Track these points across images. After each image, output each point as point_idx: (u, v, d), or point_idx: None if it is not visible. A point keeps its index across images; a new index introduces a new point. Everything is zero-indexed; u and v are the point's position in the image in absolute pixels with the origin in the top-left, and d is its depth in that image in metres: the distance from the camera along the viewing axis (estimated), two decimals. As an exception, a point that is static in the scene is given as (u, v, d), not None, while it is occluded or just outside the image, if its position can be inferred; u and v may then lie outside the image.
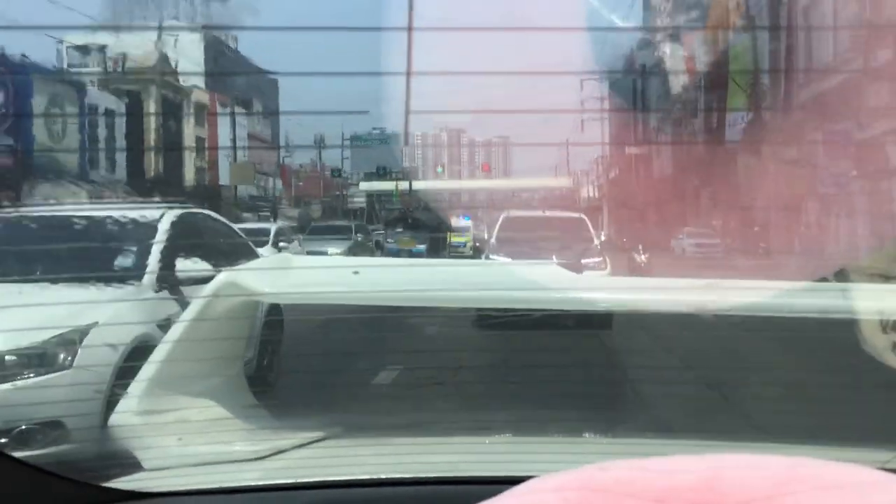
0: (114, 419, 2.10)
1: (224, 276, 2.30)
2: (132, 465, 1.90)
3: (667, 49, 24.82)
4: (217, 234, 6.69)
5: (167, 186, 35.44)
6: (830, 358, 6.07)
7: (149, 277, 5.26)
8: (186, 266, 5.19)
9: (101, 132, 31.58)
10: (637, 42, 32.73)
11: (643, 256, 14.43)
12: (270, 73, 46.35)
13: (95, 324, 4.54)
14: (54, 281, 5.00)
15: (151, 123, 34.83)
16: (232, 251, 6.36)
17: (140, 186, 33.42)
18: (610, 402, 5.95)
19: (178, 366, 2.12)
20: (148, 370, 2.14)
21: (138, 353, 4.30)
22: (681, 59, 22.62)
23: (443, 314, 9.69)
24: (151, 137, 35.09)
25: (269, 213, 42.36)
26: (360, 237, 23.53)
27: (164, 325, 4.82)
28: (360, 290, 2.28)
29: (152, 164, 35.24)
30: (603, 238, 13.28)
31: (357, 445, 2.23)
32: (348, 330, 7.82)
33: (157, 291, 5.21)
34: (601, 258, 10.67)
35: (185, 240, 5.77)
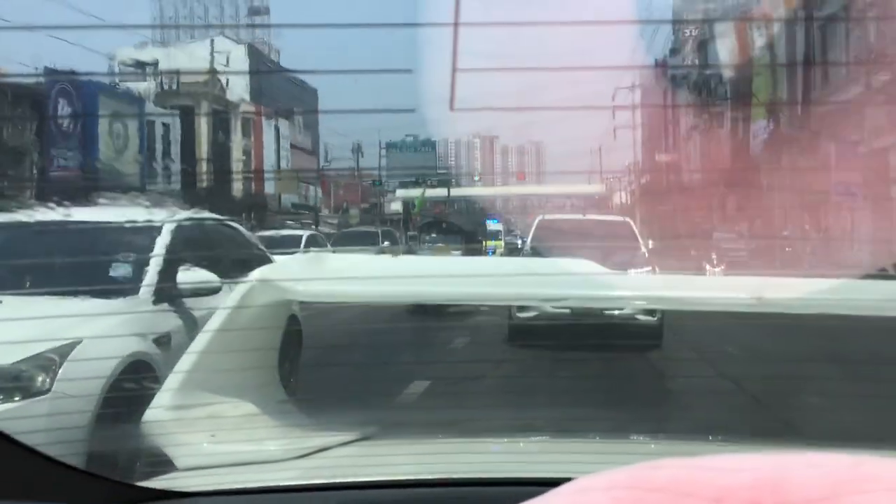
0: (148, 416, 2.08)
1: (257, 273, 2.31)
2: (165, 464, 1.91)
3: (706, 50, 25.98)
4: (228, 242, 6.24)
5: (217, 195, 37.43)
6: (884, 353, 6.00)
7: (146, 289, 4.83)
8: (190, 277, 4.83)
9: (157, 144, 33.60)
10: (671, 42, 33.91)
11: (715, 266, 13.31)
12: (309, 72, 48.09)
13: (80, 341, 3.97)
14: (37, 293, 4.55)
15: (202, 135, 36.80)
16: (245, 262, 5.89)
17: (192, 195, 35.40)
18: (651, 404, 5.83)
19: (210, 364, 2.11)
20: (183, 365, 2.13)
21: (131, 372, 4.06)
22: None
23: (481, 320, 10.04)
24: (202, 149, 37.07)
25: (310, 221, 44.16)
26: (387, 244, 23.26)
27: (163, 341, 4.51)
28: (393, 287, 2.30)
29: (203, 173, 37.23)
30: (651, 244, 12.20)
31: (392, 446, 2.22)
32: (386, 328, 8.20)
33: (155, 304, 4.80)
34: (650, 267, 9.93)
35: (189, 249, 5.35)
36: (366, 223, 45.66)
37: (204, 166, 37.05)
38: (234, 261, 5.63)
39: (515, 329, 8.98)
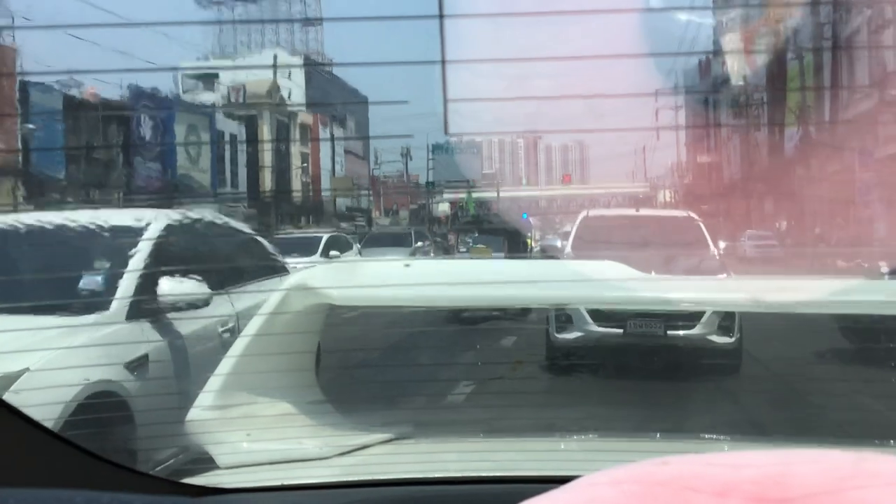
0: (191, 415, 2.11)
1: (295, 277, 2.36)
2: (207, 462, 1.95)
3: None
4: (231, 247, 5.57)
5: (280, 201, 40.12)
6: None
7: (119, 304, 4.04)
8: (174, 289, 4.17)
9: (226, 154, 36.38)
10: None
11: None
12: (356, 64, 50.46)
13: (24, 371, 3.33)
14: None
15: (265, 144, 39.54)
16: (250, 269, 5.37)
17: (258, 200, 38.13)
18: (672, 404, 5.84)
19: (249, 365, 2.16)
20: (224, 368, 2.17)
21: (91, 409, 3.32)
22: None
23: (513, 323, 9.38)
24: (266, 157, 39.79)
25: (364, 223, 46.58)
26: (420, 245, 22.08)
27: (137, 366, 3.82)
28: (425, 291, 2.33)
29: (267, 180, 39.94)
30: (724, 246, 10.28)
31: (425, 444, 2.27)
32: (418, 331, 7.83)
33: (129, 321, 4.03)
34: (725, 274, 7.88)
35: (179, 255, 4.67)
36: (415, 224, 47.89)
37: (267, 173, 39.78)
38: (237, 268, 5.12)
39: (555, 352, 7.92)
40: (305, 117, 44.38)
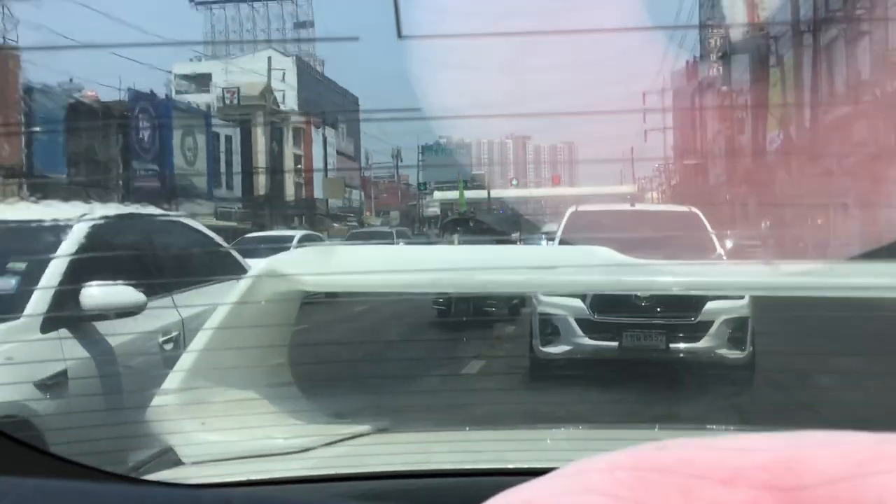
0: (151, 413, 2.03)
1: (264, 264, 2.26)
2: (172, 459, 1.90)
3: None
4: (175, 246, 5.02)
5: (273, 201, 40.85)
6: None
7: (33, 312, 3.62)
8: (99, 295, 3.66)
9: (222, 156, 37.12)
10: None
11: None
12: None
13: None
14: None
15: (259, 146, 40.29)
16: (198, 270, 4.92)
17: (252, 201, 38.88)
18: (675, 394, 5.65)
19: (218, 355, 2.09)
20: (186, 360, 2.10)
21: None
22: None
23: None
24: (260, 158, 40.52)
25: (355, 223, 47.40)
26: (402, 243, 22.94)
27: (53, 384, 3.43)
28: (403, 277, 2.27)
29: (261, 181, 40.69)
30: (730, 244, 9.39)
31: (399, 436, 2.22)
32: (394, 322, 8.14)
33: (45, 333, 3.59)
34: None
35: (109, 256, 4.21)
36: (405, 224, 48.75)
37: (261, 174, 40.52)
38: (184, 271, 4.69)
39: (539, 367, 7.19)
40: (298, 118, 45.14)
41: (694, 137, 39.69)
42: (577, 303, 7.04)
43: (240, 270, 5.23)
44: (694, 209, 8.74)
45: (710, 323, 6.87)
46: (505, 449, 2.13)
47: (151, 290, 4.00)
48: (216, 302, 3.78)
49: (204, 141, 34.65)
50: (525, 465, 1.78)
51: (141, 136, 30.61)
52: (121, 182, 29.91)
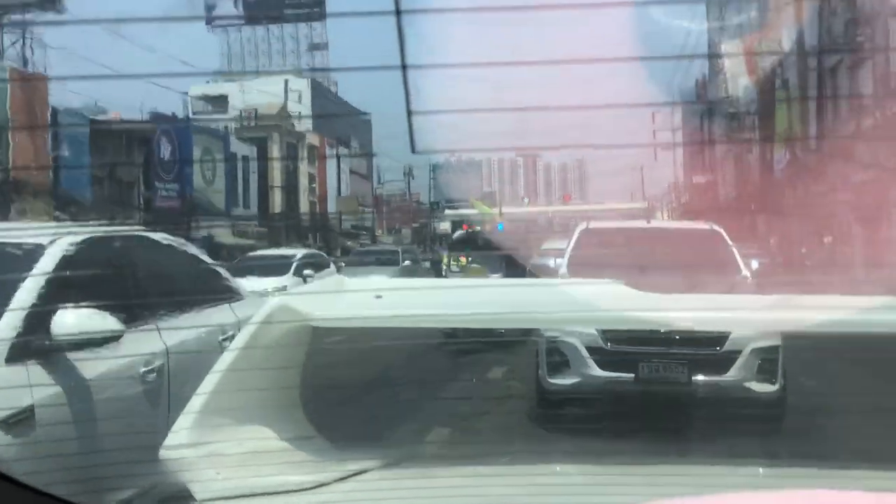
0: (164, 452, 2.03)
1: (276, 301, 2.27)
2: (183, 498, 1.93)
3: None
4: (161, 269, 4.63)
5: (288, 219, 41.76)
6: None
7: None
8: (72, 322, 3.37)
9: (239, 174, 38.08)
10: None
11: None
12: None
13: None
14: None
15: (275, 165, 41.27)
16: (186, 295, 4.59)
17: (268, 219, 39.78)
18: (697, 434, 5.29)
19: (229, 396, 2.09)
20: (197, 401, 2.10)
21: None
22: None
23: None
24: (276, 176, 41.49)
25: (368, 240, 48.25)
26: (408, 264, 21.27)
27: (17, 422, 3.11)
28: (416, 313, 2.29)
29: (277, 199, 41.62)
30: (757, 265, 8.50)
31: (408, 478, 2.22)
32: (398, 359, 7.24)
33: (10, 364, 3.24)
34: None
35: (87, 279, 3.89)
36: (417, 242, 49.45)
37: (277, 193, 41.46)
38: (170, 296, 4.38)
39: (546, 402, 6.65)
40: (313, 138, 46.12)
41: (703, 155, 40.45)
42: (590, 329, 6.31)
43: (230, 292, 5.02)
44: (715, 226, 8.09)
45: (738, 353, 6.23)
46: (513, 484, 2.09)
47: (132, 317, 3.77)
48: (203, 327, 3.96)
49: (222, 161, 35.61)
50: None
51: (162, 156, 31.56)
52: (142, 202, 30.83)
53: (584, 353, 6.46)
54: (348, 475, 2.07)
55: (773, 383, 6.29)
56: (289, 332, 2.22)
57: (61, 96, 26.75)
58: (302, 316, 2.19)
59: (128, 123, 30.10)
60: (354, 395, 5.94)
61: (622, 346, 6.36)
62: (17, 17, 26.42)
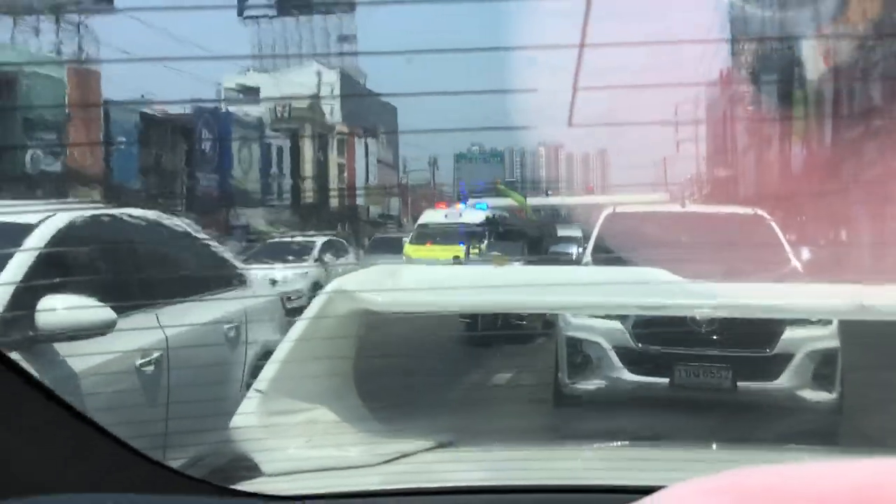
0: (235, 422, 2.15)
1: (334, 286, 2.38)
2: (253, 469, 1.97)
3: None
4: (161, 253, 4.48)
5: (318, 208, 43.44)
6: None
7: None
8: (60, 311, 3.09)
9: (273, 164, 39.86)
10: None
11: None
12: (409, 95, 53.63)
13: None
14: None
15: (307, 156, 43.00)
16: (187, 280, 4.40)
17: (300, 208, 41.50)
18: (734, 414, 5.12)
19: (291, 376, 2.21)
20: (267, 374, 2.25)
21: None
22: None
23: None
24: (307, 167, 43.21)
25: (394, 229, 49.87)
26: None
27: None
28: (466, 297, 2.40)
29: (308, 187, 43.37)
30: (808, 254, 7.57)
31: (471, 452, 2.28)
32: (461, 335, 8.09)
33: None
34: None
35: (75, 263, 3.70)
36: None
37: (308, 182, 43.20)
38: (170, 282, 4.20)
39: (564, 409, 5.97)
40: (342, 128, 47.80)
41: (725, 148, 41.57)
42: (616, 325, 5.77)
43: (235, 277, 4.84)
44: (760, 211, 7.45)
45: (790, 356, 5.61)
46: (563, 466, 2.14)
47: (129, 305, 3.56)
48: (205, 316, 3.93)
49: (258, 151, 37.38)
50: (596, 483, 1.84)
51: (203, 147, 33.33)
52: (185, 189, 32.62)
53: (611, 353, 5.79)
54: (404, 455, 2.11)
55: (830, 390, 5.59)
56: (345, 316, 2.32)
57: (112, 89, 28.51)
58: (356, 302, 2.29)
59: (172, 115, 31.88)
60: (406, 377, 5.73)
61: (655, 347, 5.70)
62: (72, 14, 28.20)
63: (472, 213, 19.55)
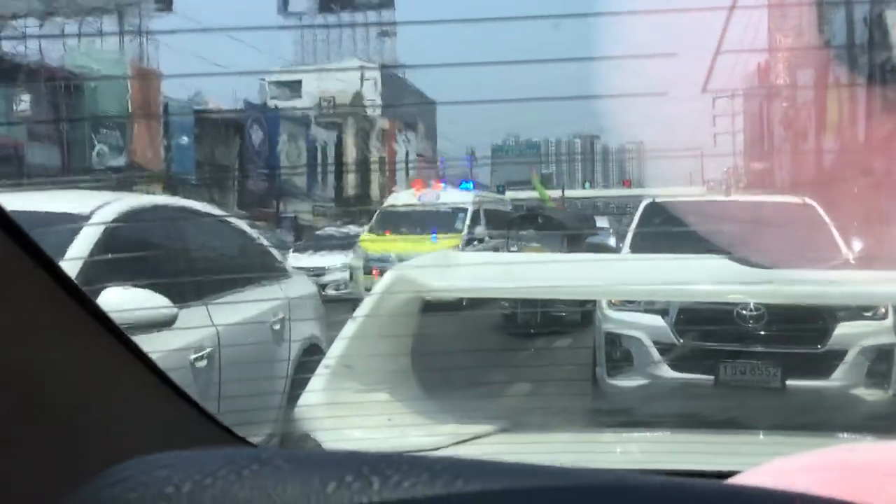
0: (302, 400, 2.23)
1: (395, 271, 2.47)
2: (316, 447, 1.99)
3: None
4: (212, 245, 4.49)
5: (361, 201, 44.96)
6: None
7: None
8: (125, 302, 3.03)
9: (319, 159, 41.50)
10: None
11: None
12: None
13: None
14: None
15: (349, 149, 44.60)
16: (236, 272, 4.40)
17: (343, 200, 43.08)
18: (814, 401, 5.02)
19: (354, 360, 2.25)
20: (335, 351, 2.31)
21: None
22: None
23: None
24: (350, 161, 44.77)
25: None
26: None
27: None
28: (523, 284, 2.46)
29: (351, 182, 44.97)
30: (860, 246, 7.07)
31: (532, 436, 2.30)
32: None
33: None
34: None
35: (131, 253, 3.66)
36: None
37: (352, 177, 44.79)
38: (220, 274, 4.24)
39: (603, 408, 5.69)
40: (383, 123, 49.33)
41: (762, 141, 42.35)
42: (657, 321, 5.69)
43: (279, 270, 4.84)
44: (809, 200, 7.29)
45: (843, 352, 5.46)
46: (632, 449, 2.15)
47: (182, 298, 3.54)
48: (254, 310, 3.95)
49: (304, 146, 39.02)
50: (661, 467, 1.79)
51: (253, 142, 35.01)
52: (236, 184, 34.33)
53: (652, 348, 5.68)
54: (464, 439, 2.11)
55: (886, 389, 5.38)
56: (405, 301, 2.37)
57: (170, 89, 30.26)
58: (417, 286, 2.36)
59: (225, 112, 33.58)
60: (463, 361, 5.76)
61: (699, 342, 5.61)
62: (134, 18, 29.97)
63: (454, 195, 17.45)
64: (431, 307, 2.72)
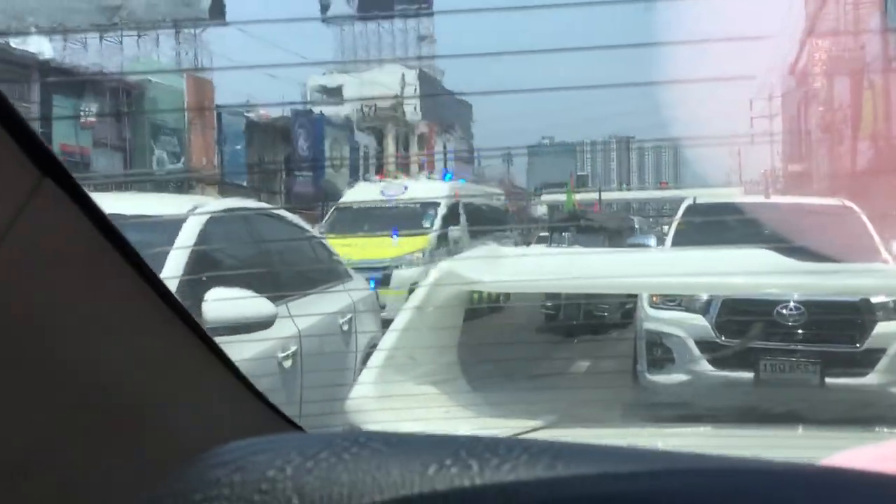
0: (354, 392, 2.29)
1: (444, 265, 2.54)
2: None
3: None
4: (286, 246, 4.56)
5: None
6: None
7: None
8: (227, 304, 3.07)
9: (360, 162, 42.93)
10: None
11: None
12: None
13: None
14: None
15: (390, 153, 46.00)
16: (309, 275, 4.56)
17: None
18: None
19: (403, 353, 2.31)
20: (377, 357, 2.36)
21: None
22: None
23: None
24: (390, 164, 46.20)
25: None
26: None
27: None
28: (569, 278, 2.47)
29: (391, 185, 46.42)
30: None
31: (578, 432, 2.26)
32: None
33: None
34: None
35: (225, 257, 3.86)
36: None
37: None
38: (298, 276, 4.34)
39: (643, 403, 5.71)
40: (422, 126, 50.73)
41: (800, 143, 42.91)
42: (698, 319, 5.84)
43: (345, 273, 5.14)
44: (849, 203, 7.39)
45: (882, 351, 5.55)
46: (672, 445, 2.17)
47: (273, 299, 3.53)
48: (328, 310, 4.08)
49: (347, 150, 40.46)
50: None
51: (300, 147, 36.50)
52: (284, 188, 35.84)
53: (693, 346, 5.81)
54: (516, 432, 2.14)
55: None
56: (453, 294, 2.43)
57: (222, 96, 31.87)
58: (464, 279, 2.40)
59: (273, 118, 35.12)
60: (507, 356, 5.80)
61: (739, 340, 5.75)
62: (189, 28, 31.60)
63: (425, 186, 15.46)
64: (476, 303, 2.79)
